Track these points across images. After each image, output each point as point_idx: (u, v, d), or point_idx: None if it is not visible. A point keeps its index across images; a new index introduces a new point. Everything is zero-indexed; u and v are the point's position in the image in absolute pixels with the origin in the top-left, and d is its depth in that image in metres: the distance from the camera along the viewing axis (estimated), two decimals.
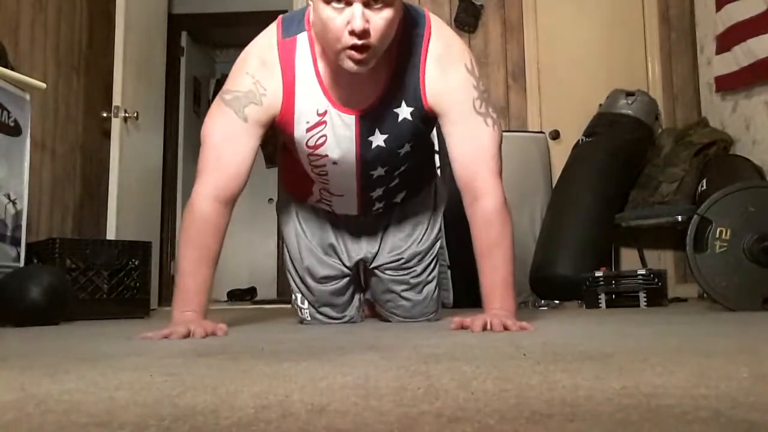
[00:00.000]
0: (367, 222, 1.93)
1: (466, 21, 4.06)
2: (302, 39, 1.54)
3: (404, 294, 1.97)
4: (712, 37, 3.69)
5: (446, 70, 1.53)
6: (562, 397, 0.58)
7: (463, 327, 1.45)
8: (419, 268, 1.96)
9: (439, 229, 2.01)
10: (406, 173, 1.77)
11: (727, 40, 3.49)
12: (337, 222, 1.93)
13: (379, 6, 1.34)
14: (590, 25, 4.10)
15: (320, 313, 1.98)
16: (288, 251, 1.99)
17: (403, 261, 1.93)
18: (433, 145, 1.87)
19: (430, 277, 2.00)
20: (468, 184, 1.55)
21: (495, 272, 1.53)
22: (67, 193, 3.51)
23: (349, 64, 1.39)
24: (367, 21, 1.33)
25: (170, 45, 4.59)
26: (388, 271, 1.95)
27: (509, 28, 4.13)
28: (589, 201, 3.42)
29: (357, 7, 1.32)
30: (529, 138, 3.87)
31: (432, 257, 2.00)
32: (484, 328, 1.38)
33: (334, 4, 1.33)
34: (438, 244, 2.02)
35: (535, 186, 3.73)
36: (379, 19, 1.35)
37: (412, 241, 1.94)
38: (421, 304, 1.99)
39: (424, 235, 1.96)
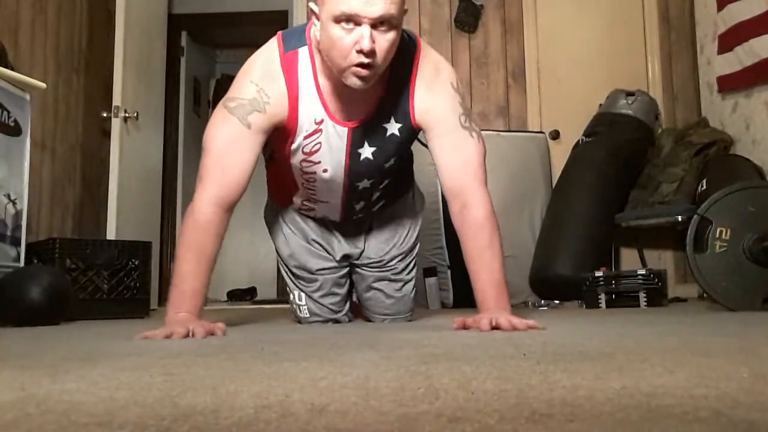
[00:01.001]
0: (348, 228, 2.01)
1: (466, 21, 4.06)
2: (303, 53, 1.59)
3: (385, 291, 2.06)
4: (712, 37, 3.69)
5: (434, 90, 1.62)
6: (562, 397, 0.58)
7: (465, 327, 1.45)
8: (399, 266, 2.06)
9: (419, 233, 2.11)
10: (387, 186, 1.86)
11: (729, 40, 3.49)
12: (323, 221, 2.01)
13: (385, 28, 1.42)
14: (590, 25, 4.11)
15: (321, 304, 2.03)
16: (279, 253, 2.07)
17: (384, 261, 2.04)
18: (412, 155, 1.97)
19: (409, 277, 2.09)
20: (456, 193, 1.62)
21: (489, 274, 1.57)
22: (67, 193, 3.51)
23: (353, 80, 1.47)
24: (374, 41, 1.41)
25: (170, 45, 4.59)
26: (370, 268, 2.05)
27: (509, 28, 4.13)
28: (589, 201, 3.42)
29: (366, 29, 1.39)
30: (529, 138, 3.87)
31: (412, 258, 2.10)
32: (491, 326, 1.39)
33: (344, 24, 1.40)
34: (417, 246, 2.11)
35: (535, 186, 3.73)
36: (384, 41, 1.43)
37: (393, 244, 2.04)
38: (400, 301, 2.09)
39: (405, 238, 2.06)
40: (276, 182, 1.96)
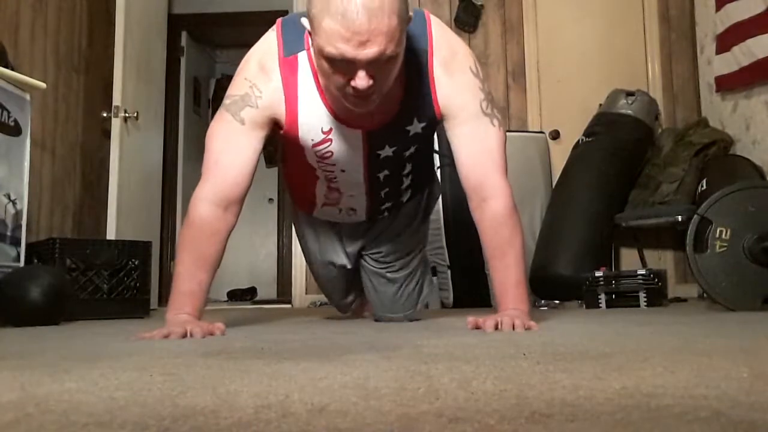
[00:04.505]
0: (368, 228, 1.96)
1: (466, 21, 4.06)
2: (303, 59, 1.51)
3: (380, 288, 2.02)
4: (712, 37, 3.69)
5: (453, 74, 1.52)
6: (562, 397, 0.58)
7: (477, 327, 1.44)
8: (397, 265, 2.00)
9: (424, 234, 2.04)
10: (411, 172, 1.78)
11: (726, 40, 3.49)
12: (340, 232, 1.98)
13: (383, 63, 1.29)
14: (590, 25, 4.11)
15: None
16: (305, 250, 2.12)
17: (381, 254, 1.99)
18: (434, 141, 1.86)
19: (410, 278, 2.03)
20: (476, 185, 1.54)
21: (508, 273, 1.52)
22: (67, 193, 3.51)
23: (351, 106, 1.38)
24: (371, 76, 1.29)
25: (170, 45, 4.59)
26: (369, 260, 2.01)
27: (509, 28, 4.13)
28: (589, 201, 3.42)
29: (361, 71, 1.27)
30: (529, 138, 3.87)
31: (412, 258, 2.02)
32: (496, 328, 1.39)
33: (338, 65, 1.28)
34: (421, 247, 2.05)
35: (535, 186, 3.73)
36: (384, 73, 1.32)
37: (391, 236, 1.97)
38: (397, 301, 2.04)
39: (404, 234, 1.98)
40: (295, 178, 1.88)
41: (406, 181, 1.81)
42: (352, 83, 1.30)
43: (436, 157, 3.25)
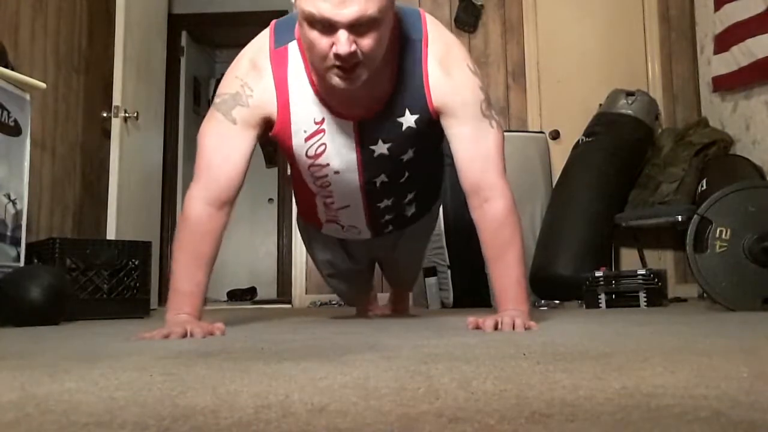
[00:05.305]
0: (378, 244, 2.01)
1: (466, 21, 4.06)
2: (293, 48, 1.50)
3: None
4: (712, 37, 3.69)
5: (450, 71, 1.50)
6: (562, 397, 0.58)
7: (477, 327, 1.44)
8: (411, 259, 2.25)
9: (431, 230, 2.20)
10: (411, 183, 1.76)
11: (725, 40, 3.49)
12: (347, 248, 2.05)
13: (365, 29, 1.28)
14: (590, 25, 4.11)
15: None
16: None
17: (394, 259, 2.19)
18: (442, 154, 1.83)
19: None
20: (476, 186, 1.53)
21: (508, 273, 1.51)
22: (67, 193, 3.51)
23: (336, 81, 1.36)
24: (354, 42, 1.28)
25: (170, 45, 4.59)
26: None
27: (509, 28, 4.13)
28: (589, 201, 3.42)
29: (341, 33, 1.26)
30: (529, 138, 3.87)
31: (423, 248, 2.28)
32: (496, 328, 1.39)
33: (318, 26, 1.28)
34: (430, 237, 2.24)
35: (535, 186, 3.73)
36: (367, 39, 1.30)
37: (401, 250, 2.11)
38: (403, 273, 2.30)
39: (414, 248, 2.18)
40: (298, 193, 1.90)
41: (409, 196, 1.80)
42: (334, 49, 1.28)
43: None
